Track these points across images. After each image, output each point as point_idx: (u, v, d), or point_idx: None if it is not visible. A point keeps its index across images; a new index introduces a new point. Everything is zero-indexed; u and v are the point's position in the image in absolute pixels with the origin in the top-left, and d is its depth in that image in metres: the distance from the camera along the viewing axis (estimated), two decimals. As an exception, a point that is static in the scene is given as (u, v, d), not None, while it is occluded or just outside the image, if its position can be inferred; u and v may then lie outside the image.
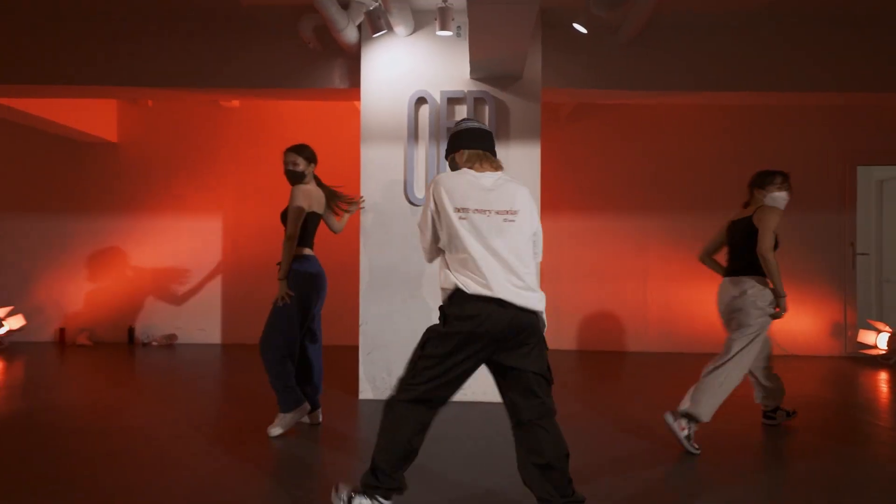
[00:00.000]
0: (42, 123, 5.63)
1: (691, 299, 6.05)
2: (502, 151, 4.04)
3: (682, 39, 4.39)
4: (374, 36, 3.87)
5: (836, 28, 4.36)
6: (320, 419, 3.51)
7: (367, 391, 4.06)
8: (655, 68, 4.39)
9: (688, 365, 5.36)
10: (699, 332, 6.01)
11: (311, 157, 3.45)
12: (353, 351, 5.09)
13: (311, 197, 3.38)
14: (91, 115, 6.02)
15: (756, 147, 6.04)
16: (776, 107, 5.97)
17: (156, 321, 6.31)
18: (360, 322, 4.10)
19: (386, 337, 4.06)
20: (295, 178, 3.40)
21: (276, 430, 3.27)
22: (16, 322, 6.03)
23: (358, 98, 4.58)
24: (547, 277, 5.93)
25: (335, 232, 3.73)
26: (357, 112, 6.12)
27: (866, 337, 5.80)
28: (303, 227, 3.37)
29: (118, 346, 6.17)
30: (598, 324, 6.12)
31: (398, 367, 4.01)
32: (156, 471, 2.79)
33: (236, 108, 6.30)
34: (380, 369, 4.06)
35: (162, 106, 6.35)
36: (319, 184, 3.55)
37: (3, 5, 4.35)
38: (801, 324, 5.99)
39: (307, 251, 3.46)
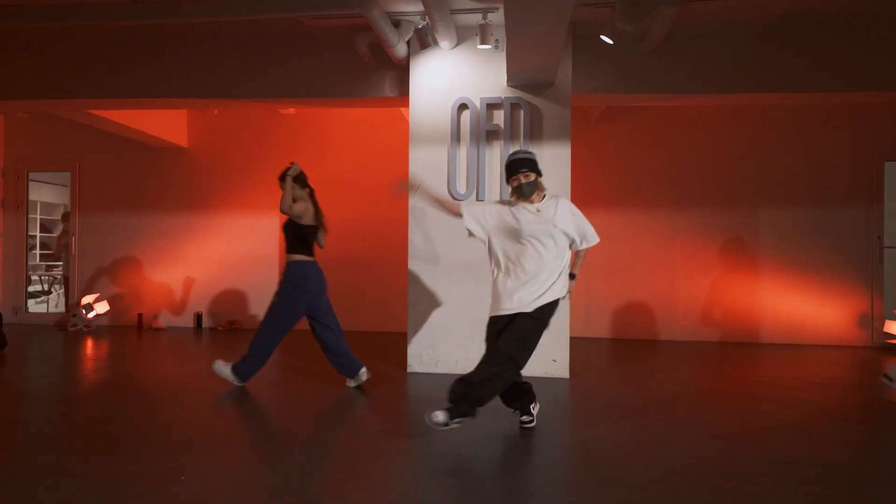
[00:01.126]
0: (122, 130, 6.36)
1: (717, 290, 6.34)
2: (535, 151, 4.48)
3: (702, 46, 4.74)
4: (423, 50, 4.37)
5: (850, 31, 4.63)
6: (362, 379, 4.01)
7: (414, 365, 4.57)
8: (677, 73, 4.75)
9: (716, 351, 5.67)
10: (723, 321, 6.30)
11: (303, 183, 3.97)
12: (401, 336, 5.62)
13: (309, 210, 3.90)
14: (165, 123, 6.73)
15: (784, 145, 6.28)
16: (802, 106, 6.21)
17: (220, 308, 6.98)
18: (409, 304, 4.60)
19: (431, 318, 4.55)
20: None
21: (219, 365, 3.92)
22: (102, 307, 6.80)
23: (405, 105, 5.10)
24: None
25: (321, 247, 4.11)
26: (400, 117, 6.67)
27: (892, 327, 5.97)
28: (301, 237, 3.88)
29: (188, 330, 6.87)
30: (629, 314, 6.47)
31: (441, 345, 4.51)
32: (214, 426, 3.32)
33: (292, 115, 6.92)
34: (426, 346, 4.56)
35: (226, 114, 7.02)
36: (314, 202, 4.02)
37: (97, 30, 5.05)
38: (829, 314, 6.19)
39: (305, 258, 3.91)
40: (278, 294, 3.90)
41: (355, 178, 6.85)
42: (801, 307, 6.23)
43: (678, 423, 3.37)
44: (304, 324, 4.16)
